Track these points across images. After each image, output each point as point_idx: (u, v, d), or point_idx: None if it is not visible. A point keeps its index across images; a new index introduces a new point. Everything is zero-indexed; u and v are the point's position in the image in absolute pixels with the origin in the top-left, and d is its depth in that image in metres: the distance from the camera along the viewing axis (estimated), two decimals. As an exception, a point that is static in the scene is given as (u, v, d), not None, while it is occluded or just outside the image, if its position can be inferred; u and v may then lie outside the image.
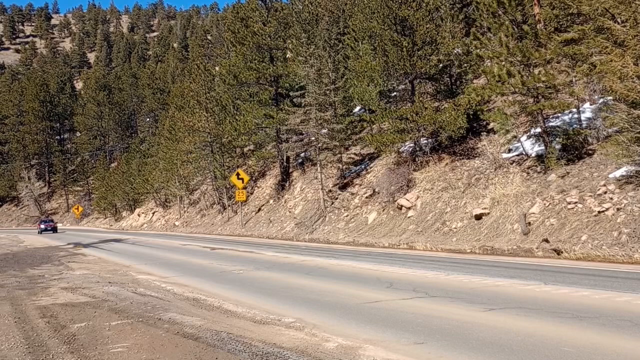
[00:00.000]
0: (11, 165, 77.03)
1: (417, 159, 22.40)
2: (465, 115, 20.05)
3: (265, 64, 31.10)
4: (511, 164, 18.45)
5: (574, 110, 17.45)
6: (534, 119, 17.54)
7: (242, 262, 16.12)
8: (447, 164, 21.19)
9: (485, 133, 20.89)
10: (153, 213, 49.96)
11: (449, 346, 6.13)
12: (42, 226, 47.80)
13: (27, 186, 70.40)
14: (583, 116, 17.34)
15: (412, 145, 22.94)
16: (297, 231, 26.00)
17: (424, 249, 17.34)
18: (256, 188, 36.46)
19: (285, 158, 32.65)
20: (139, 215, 51.69)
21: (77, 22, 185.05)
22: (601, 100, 16.86)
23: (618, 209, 13.08)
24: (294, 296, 9.92)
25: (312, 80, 25.69)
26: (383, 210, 21.94)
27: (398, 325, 7.15)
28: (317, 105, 25.49)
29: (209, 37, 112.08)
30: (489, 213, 16.86)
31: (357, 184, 25.64)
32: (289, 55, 34.09)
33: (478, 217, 17.00)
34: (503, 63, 16.66)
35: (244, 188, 32.16)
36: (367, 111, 26.39)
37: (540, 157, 17.13)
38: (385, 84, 23.66)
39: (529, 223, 14.92)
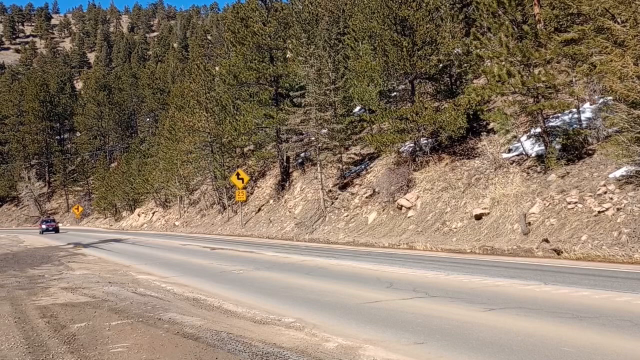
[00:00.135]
0: (11, 165, 77.03)
1: (417, 159, 22.40)
2: (465, 115, 20.05)
3: (265, 64, 31.10)
4: (511, 164, 18.45)
5: (574, 110, 17.45)
6: (534, 119, 17.54)
7: (242, 262, 16.12)
8: (447, 164, 21.19)
9: (485, 133, 20.89)
10: (153, 213, 49.96)
11: (449, 346, 6.12)
12: (44, 226, 46.49)
13: (27, 186, 70.40)
14: (583, 116, 17.34)
15: (412, 145, 22.94)
16: (297, 231, 26.00)
17: (424, 249, 17.34)
18: (256, 188, 36.46)
19: (285, 158, 32.65)
20: (139, 215, 51.69)
21: (77, 22, 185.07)
22: (601, 100, 16.86)
23: (618, 209, 13.08)
24: (294, 296, 9.92)
25: (312, 80, 25.70)
26: (383, 210, 21.94)
27: (398, 325, 7.15)
28: (317, 105, 25.49)
29: (209, 37, 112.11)
30: (489, 213, 16.86)
31: (357, 184, 25.64)
32: (289, 55, 34.09)
33: (478, 217, 17.00)
34: (503, 63, 16.66)
35: (244, 188, 32.17)
36: (367, 111, 26.40)
37: (540, 157, 17.13)
38: (385, 84, 23.67)
39: (529, 223, 14.92)
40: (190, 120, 37.27)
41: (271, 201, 32.83)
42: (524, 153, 18.11)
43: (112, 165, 70.21)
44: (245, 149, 40.14)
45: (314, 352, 6.04)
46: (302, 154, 32.33)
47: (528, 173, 17.21)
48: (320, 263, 14.75)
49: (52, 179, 75.65)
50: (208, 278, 13.05)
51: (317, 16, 35.86)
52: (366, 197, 23.78)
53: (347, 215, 23.91)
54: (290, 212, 29.34)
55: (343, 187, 26.25)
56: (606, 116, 14.76)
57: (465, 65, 21.82)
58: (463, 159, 20.79)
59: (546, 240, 13.69)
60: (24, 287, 12.06)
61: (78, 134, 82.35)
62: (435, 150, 22.13)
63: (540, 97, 16.52)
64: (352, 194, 25.08)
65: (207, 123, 36.53)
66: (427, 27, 21.06)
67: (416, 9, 21.31)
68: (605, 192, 13.78)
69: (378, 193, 22.88)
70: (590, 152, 16.03)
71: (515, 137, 18.13)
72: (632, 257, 11.60)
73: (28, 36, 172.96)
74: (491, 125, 20.07)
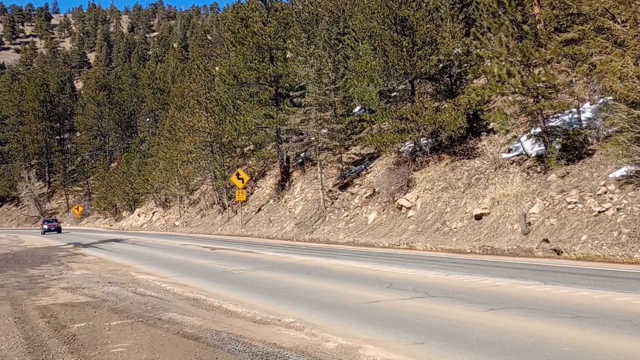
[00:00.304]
0: (11, 165, 77.01)
1: (417, 159, 22.40)
2: (465, 115, 20.05)
3: (265, 64, 31.10)
4: (511, 164, 18.45)
5: (574, 110, 17.45)
6: (534, 119, 17.54)
7: (242, 262, 16.13)
8: (447, 164, 21.19)
9: (485, 133, 20.89)
10: (153, 213, 49.95)
11: (449, 346, 6.13)
12: (46, 226, 45.01)
13: (27, 186, 70.39)
14: (583, 116, 17.34)
15: (412, 145, 22.94)
16: (297, 231, 26.00)
17: (424, 249, 17.34)
18: (256, 188, 36.46)
19: (285, 158, 32.65)
20: (139, 215, 51.69)
21: (77, 22, 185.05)
22: (601, 100, 16.86)
23: (618, 209, 13.08)
24: (294, 296, 9.92)
25: (312, 80, 25.70)
26: (383, 210, 21.94)
27: (398, 325, 7.15)
28: (317, 105, 25.49)
29: (209, 37, 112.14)
30: (489, 213, 16.86)
31: (357, 184, 25.64)
32: (289, 55, 34.08)
33: (478, 217, 17.00)
34: (503, 63, 16.65)
35: (244, 188, 32.16)
36: (367, 111, 26.39)
37: (540, 157, 17.12)
38: (385, 84, 23.66)
39: (529, 223, 14.92)
40: (190, 120, 37.27)
41: (271, 201, 32.83)
42: (524, 153, 18.11)
43: (112, 165, 70.20)
44: (245, 149, 40.14)
45: (314, 352, 6.04)
46: (302, 154, 32.33)
47: (528, 173, 17.21)
48: (320, 263, 14.75)
49: (52, 179, 75.64)
50: (208, 278, 13.05)
51: (317, 16, 35.85)
52: (366, 197, 23.78)
53: (347, 215, 23.91)
54: (290, 212, 29.34)
55: (343, 187, 26.25)
56: (606, 116, 14.76)
57: (465, 65, 21.82)
58: (463, 159, 20.79)
59: (546, 240, 13.69)
60: (24, 287, 12.06)
61: (78, 134, 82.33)
62: (435, 150, 22.13)
63: (540, 97, 16.52)
64: (352, 194, 25.09)
65: (207, 123, 36.53)
66: (427, 27, 21.06)
67: (416, 9, 21.31)
68: (605, 192, 13.78)
69: (378, 193, 22.88)
70: (590, 152, 16.03)
71: (515, 137, 18.13)
72: (632, 257, 11.60)
73: (28, 36, 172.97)
74: (491, 125, 20.07)
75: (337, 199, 25.78)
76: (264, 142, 34.33)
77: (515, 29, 16.72)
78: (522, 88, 16.27)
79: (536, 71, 16.55)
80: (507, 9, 16.87)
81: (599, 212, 13.43)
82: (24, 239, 35.43)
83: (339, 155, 27.38)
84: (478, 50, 18.22)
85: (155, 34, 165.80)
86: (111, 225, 55.89)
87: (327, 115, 25.47)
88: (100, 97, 77.09)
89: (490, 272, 11.38)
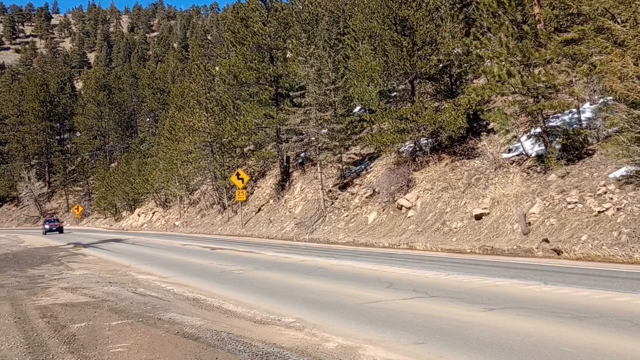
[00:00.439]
0: (11, 165, 77.01)
1: (417, 159, 22.40)
2: (465, 115, 20.04)
3: (265, 64, 31.09)
4: (511, 164, 18.45)
5: (574, 110, 17.45)
6: (534, 119, 17.54)
7: (242, 262, 16.12)
8: (447, 164, 21.19)
9: (485, 133, 20.89)
10: (153, 213, 49.95)
11: (449, 346, 6.13)
12: (47, 226, 43.92)
13: (27, 186, 70.38)
14: (583, 116, 17.34)
15: (412, 145, 22.94)
16: (297, 231, 26.00)
17: (424, 249, 17.34)
18: (256, 188, 36.46)
19: (285, 158, 32.65)
20: (139, 215, 51.68)
21: (77, 22, 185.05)
22: (601, 100, 16.86)
23: (618, 209, 13.08)
24: (294, 296, 9.92)
25: (312, 80, 25.70)
26: (383, 210, 21.94)
27: (398, 325, 7.15)
28: (317, 105, 25.48)
29: (209, 37, 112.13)
30: (489, 213, 16.86)
31: (357, 184, 25.64)
32: (289, 55, 34.08)
33: (478, 217, 17.00)
34: (503, 63, 16.65)
35: (244, 188, 32.16)
36: (367, 111, 26.39)
37: (540, 157, 17.12)
38: (385, 84, 23.66)
39: (529, 223, 14.92)
40: (190, 120, 37.27)
41: (271, 201, 32.83)
42: (524, 153, 18.11)
43: (112, 165, 70.20)
44: (245, 149, 40.14)
45: (314, 352, 6.04)
46: (302, 154, 32.33)
47: (528, 173, 17.21)
48: (320, 263, 14.75)
49: (52, 179, 75.64)
50: (208, 278, 13.05)
51: (317, 16, 35.85)
52: (366, 197, 23.78)
53: (347, 215, 23.91)
54: (290, 212, 29.34)
55: (343, 187, 26.25)
56: (606, 116, 14.76)
57: (465, 65, 21.81)
58: (463, 159, 20.79)
59: (546, 240, 13.69)
60: (24, 287, 12.06)
61: (78, 134, 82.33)
62: (435, 150, 22.13)
63: (540, 97, 16.52)
64: (352, 194, 25.09)
65: (207, 123, 36.53)
66: (427, 27, 21.06)
67: (416, 9, 21.31)
68: (605, 192, 13.78)
69: (378, 193, 22.88)
70: (590, 152, 16.03)
71: (515, 137, 18.12)
72: (632, 257, 11.60)
73: (28, 36, 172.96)
74: (491, 125, 20.07)
75: (337, 199, 25.78)
76: (264, 142, 34.33)
77: (515, 29, 16.72)
78: (522, 88, 16.27)
79: (536, 71, 16.55)
80: (507, 9, 16.87)
81: (599, 212, 13.43)
82: (24, 239, 35.43)
83: (339, 155, 27.38)
84: (478, 50, 18.21)
85: (155, 34, 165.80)
86: (111, 225, 55.89)
87: (327, 115, 25.47)
88: (100, 97, 77.08)
89: (490, 272, 11.38)
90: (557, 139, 16.85)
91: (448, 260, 14.00)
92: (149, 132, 72.61)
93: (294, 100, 29.55)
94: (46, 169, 76.82)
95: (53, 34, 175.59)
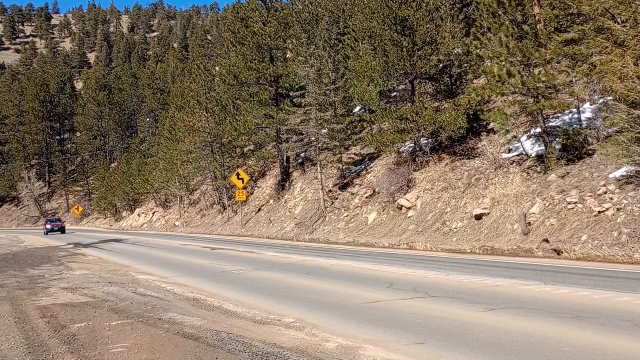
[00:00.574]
0: (11, 165, 77.01)
1: (417, 159, 22.40)
2: (465, 115, 20.04)
3: (265, 64, 31.09)
4: (511, 164, 18.45)
5: (574, 110, 17.45)
6: (534, 119, 17.54)
7: (242, 262, 16.13)
8: (447, 164, 21.19)
9: (485, 133, 20.89)
10: (153, 213, 49.95)
11: (449, 346, 6.13)
12: (49, 226, 42.95)
13: (27, 186, 70.38)
14: (583, 116, 17.34)
15: (412, 145, 22.94)
16: (297, 231, 26.00)
17: (424, 249, 17.34)
18: (256, 188, 36.47)
19: (285, 158, 32.65)
20: (139, 215, 51.68)
21: (77, 22, 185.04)
22: (601, 100, 16.86)
23: (618, 209, 13.08)
24: (294, 296, 9.92)
25: (312, 80, 25.70)
26: (383, 210, 21.94)
27: (398, 325, 7.15)
28: (317, 105, 25.48)
29: (209, 37, 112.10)
30: (489, 213, 16.86)
31: (357, 184, 25.64)
32: (289, 55, 34.08)
33: (478, 217, 17.00)
34: (503, 63, 16.65)
35: (244, 188, 32.16)
36: (367, 111, 26.39)
37: (540, 157, 17.13)
38: (385, 84, 23.66)
39: (529, 223, 14.92)
40: (190, 120, 37.27)
41: (271, 201, 32.83)
42: (524, 153, 18.11)
43: (112, 165, 70.19)
44: (245, 149, 40.14)
45: (314, 352, 6.04)
46: (302, 154, 32.33)
47: (528, 173, 17.21)
48: (320, 263, 14.75)
49: (52, 179, 75.65)
50: (208, 278, 13.05)
51: (317, 16, 35.85)
52: (366, 197, 23.78)
53: (347, 215, 23.91)
54: (290, 212, 29.34)
55: (343, 187, 26.25)
56: (606, 116, 14.76)
57: (465, 65, 21.81)
58: (463, 159, 20.79)
59: (546, 240, 13.69)
60: (24, 287, 12.06)
61: (78, 134, 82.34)
62: (435, 150, 22.13)
63: (540, 97, 16.52)
64: (352, 194, 25.09)
65: (207, 123, 36.53)
66: (427, 27, 21.06)
67: (416, 9, 21.31)
68: (605, 192, 13.78)
69: (378, 193, 22.88)
70: (590, 152, 16.03)
71: (515, 137, 18.12)
72: (632, 257, 11.60)
73: (28, 36, 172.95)
74: (491, 125, 20.07)
75: (337, 199, 25.78)
76: (264, 142, 34.33)
77: (515, 29, 16.71)
78: (522, 88, 16.27)
79: (536, 71, 16.55)
80: (507, 9, 16.86)
81: (599, 212, 13.42)
82: (24, 239, 35.43)
83: (339, 155, 27.38)
84: (478, 50, 18.21)
85: (155, 34, 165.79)
86: (111, 225, 55.90)
87: (327, 115, 25.47)
88: (100, 97, 77.09)
89: (490, 272, 11.38)
90: (557, 139, 16.85)
91: (448, 260, 14.00)
92: (149, 132, 72.61)
93: (294, 100, 29.55)
94: (46, 169, 76.82)
95: (53, 34, 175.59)
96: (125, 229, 49.55)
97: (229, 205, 36.31)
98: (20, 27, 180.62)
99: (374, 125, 27.13)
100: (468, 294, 8.96)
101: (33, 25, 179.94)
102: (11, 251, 24.71)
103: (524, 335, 6.31)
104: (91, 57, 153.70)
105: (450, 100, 21.75)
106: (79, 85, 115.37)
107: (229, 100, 36.76)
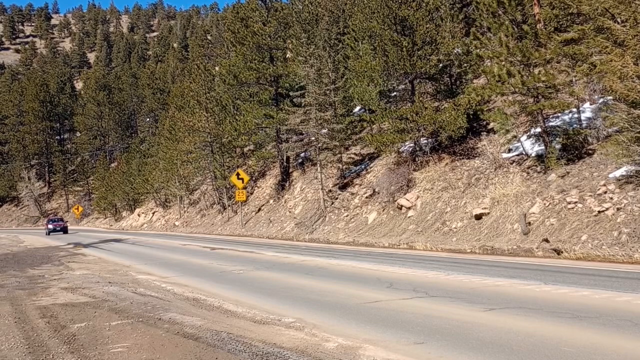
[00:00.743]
0: (11, 165, 77.02)
1: (417, 159, 22.40)
2: (465, 115, 20.05)
3: (265, 64, 31.10)
4: (511, 164, 18.45)
5: (574, 110, 17.45)
6: (534, 118, 17.54)
7: (242, 262, 16.12)
8: (447, 163, 21.19)
9: (485, 133, 20.89)
10: (153, 213, 49.96)
11: (449, 346, 6.13)
12: (51, 226, 41.84)
13: (27, 186, 70.38)
14: (583, 116, 17.34)
15: (412, 145, 22.94)
16: (297, 231, 26.00)
17: (424, 249, 17.34)
18: (256, 188, 36.47)
19: (285, 158, 32.65)
20: (139, 215, 51.69)
21: (77, 22, 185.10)
22: (601, 100, 16.86)
23: (618, 209, 13.08)
24: (294, 296, 9.92)
25: (312, 80, 25.70)
26: (383, 210, 21.94)
27: (398, 325, 7.15)
28: (317, 105, 25.49)
29: (209, 37, 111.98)
30: (489, 213, 16.86)
31: (357, 184, 25.64)
32: (289, 55, 34.09)
33: (478, 217, 17.00)
34: (503, 63, 16.65)
35: (244, 188, 32.17)
36: (367, 111, 26.39)
37: (540, 157, 17.13)
38: (385, 84, 23.65)
39: (529, 223, 14.92)
40: (190, 120, 37.28)
41: (271, 201, 32.83)
42: (524, 153, 18.11)
43: (112, 165, 70.17)
44: (245, 149, 40.14)
45: (314, 352, 6.04)
46: (302, 154, 32.33)
47: (528, 173, 17.21)
48: (320, 263, 14.75)
49: (52, 179, 75.64)
50: (208, 278, 13.05)
51: (317, 16, 35.84)
52: (366, 197, 23.78)
53: (347, 215, 23.91)
54: (290, 212, 29.34)
55: (343, 187, 26.25)
56: (606, 116, 14.76)
57: (465, 65, 21.81)
58: (463, 159, 20.79)
59: (546, 240, 13.69)
60: (24, 287, 12.06)
61: (78, 134, 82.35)
62: (435, 150, 22.13)
63: (540, 97, 16.52)
64: (352, 194, 25.09)
65: (207, 123, 36.53)
66: (427, 27, 21.06)
67: (416, 9, 21.31)
68: (605, 192, 13.78)
69: (378, 193, 22.88)
70: (590, 152, 16.03)
71: (515, 137, 18.12)
72: (632, 257, 11.60)
73: (28, 36, 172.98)
74: (491, 125, 20.07)
75: (337, 199, 25.78)
76: (264, 142, 34.34)
77: (515, 29, 16.71)
78: (522, 88, 16.27)
79: (536, 71, 16.55)
80: (507, 8, 16.86)
81: (599, 212, 13.43)
82: (24, 239, 35.43)
83: (339, 155, 27.38)
84: (478, 50, 18.21)
85: (155, 34, 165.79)
86: (111, 226, 55.90)
87: (327, 115, 25.47)
88: (100, 97, 77.10)
89: (490, 272, 11.38)
90: (557, 139, 16.85)
91: (448, 260, 14.00)
92: (149, 132, 72.62)
93: (294, 100, 29.55)
94: (46, 169, 76.82)
95: (53, 34, 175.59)
96: (125, 229, 49.55)
97: (229, 205, 36.32)
98: (20, 27, 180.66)
99: (374, 125, 27.13)
100: (468, 294, 8.96)
101: (33, 25, 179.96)
102: (11, 251, 24.71)
103: (524, 335, 6.31)
104: (91, 57, 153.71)
105: (450, 100, 21.75)
106: (79, 85, 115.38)
107: (229, 100, 36.77)
